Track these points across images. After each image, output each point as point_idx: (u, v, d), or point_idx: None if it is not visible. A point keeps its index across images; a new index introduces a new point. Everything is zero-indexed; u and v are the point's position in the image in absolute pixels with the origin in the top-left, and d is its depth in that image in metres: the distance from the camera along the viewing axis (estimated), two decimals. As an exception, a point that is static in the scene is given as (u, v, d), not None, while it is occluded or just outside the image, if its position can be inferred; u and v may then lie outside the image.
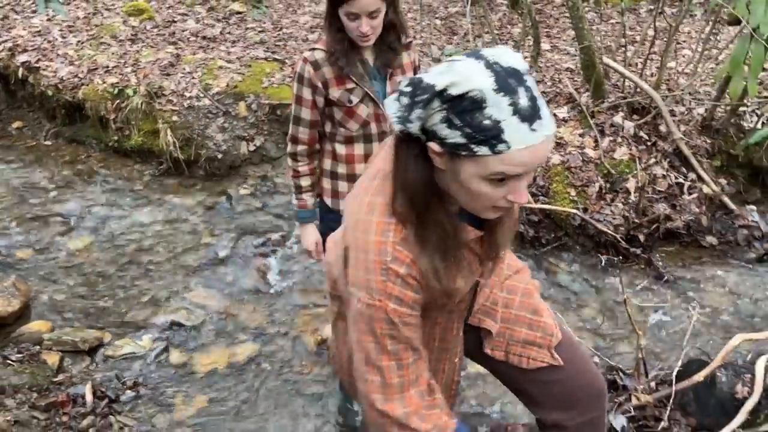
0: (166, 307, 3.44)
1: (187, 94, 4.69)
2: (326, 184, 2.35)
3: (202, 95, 4.69)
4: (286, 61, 5.09)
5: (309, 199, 2.37)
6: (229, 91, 4.72)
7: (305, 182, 2.35)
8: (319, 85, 2.17)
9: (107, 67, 4.98)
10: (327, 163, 2.32)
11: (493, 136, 1.11)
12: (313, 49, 2.18)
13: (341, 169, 2.30)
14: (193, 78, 4.83)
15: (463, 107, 1.12)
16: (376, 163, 1.38)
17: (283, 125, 4.62)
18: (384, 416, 1.37)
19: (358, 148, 2.26)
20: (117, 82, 4.81)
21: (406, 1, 6.83)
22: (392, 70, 2.23)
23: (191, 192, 4.45)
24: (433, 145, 1.19)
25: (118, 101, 4.74)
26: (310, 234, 2.44)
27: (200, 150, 4.53)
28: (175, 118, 4.59)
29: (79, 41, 5.40)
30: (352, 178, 2.29)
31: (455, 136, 1.14)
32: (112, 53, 5.17)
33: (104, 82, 4.82)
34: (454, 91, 1.12)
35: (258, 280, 3.66)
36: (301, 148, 2.29)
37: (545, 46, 5.47)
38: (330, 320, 1.75)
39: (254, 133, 4.60)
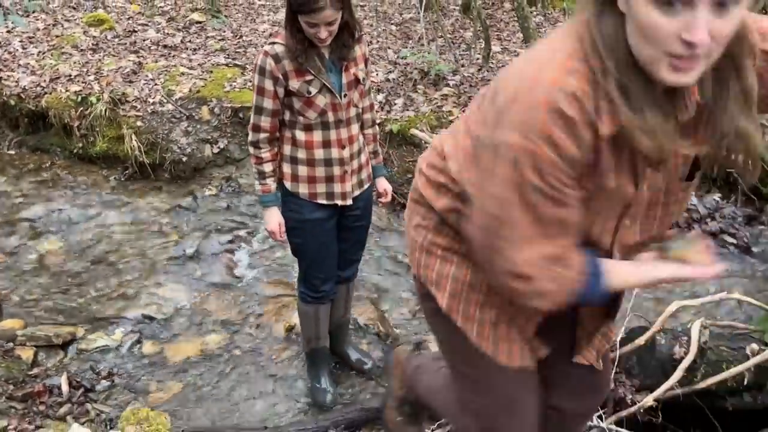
0: (136, 302, 3.55)
1: (151, 100, 4.80)
2: (286, 168, 2.51)
3: (165, 101, 4.81)
4: (247, 66, 5.23)
5: (272, 184, 2.52)
6: (192, 96, 4.85)
7: (268, 168, 2.49)
8: (280, 76, 2.32)
9: (70, 75, 5.07)
10: (287, 149, 2.48)
11: None
12: (273, 43, 2.35)
13: (301, 155, 2.46)
14: (156, 84, 4.95)
15: None
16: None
17: (246, 127, 4.76)
18: (523, 275, 1.20)
19: (317, 135, 2.43)
20: (80, 90, 4.89)
21: (362, 8, 7.04)
22: (347, 62, 2.41)
23: (157, 194, 4.56)
24: None
25: (81, 109, 4.82)
26: (273, 216, 2.59)
27: (165, 154, 4.64)
28: (139, 123, 4.70)
29: (40, 51, 5.47)
30: (311, 162, 2.46)
31: None
32: (74, 62, 5.25)
33: (67, 91, 4.91)
34: None
35: (226, 275, 3.79)
36: (263, 136, 2.44)
37: (496, 48, 5.71)
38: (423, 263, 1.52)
39: (218, 135, 4.73)
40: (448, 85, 4.85)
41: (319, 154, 2.45)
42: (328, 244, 2.63)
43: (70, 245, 4.05)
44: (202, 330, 3.36)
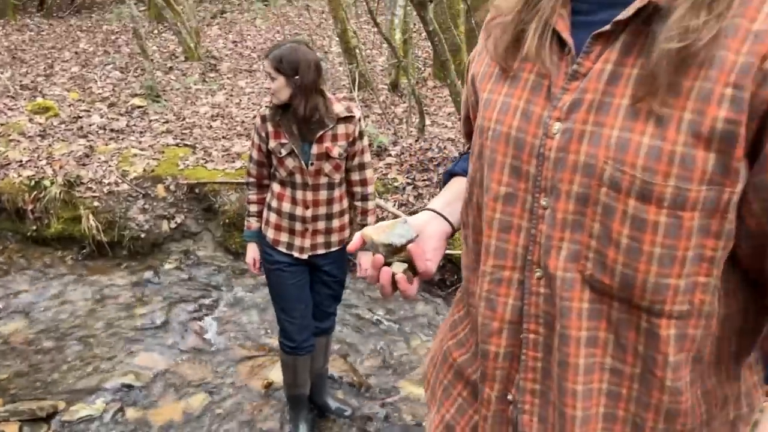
0: (113, 372, 3.64)
1: (106, 181, 4.97)
2: (264, 212, 2.88)
3: (120, 181, 4.99)
4: (197, 146, 5.49)
5: (254, 222, 2.90)
6: (147, 176, 5.05)
7: (252, 208, 2.90)
8: (263, 134, 2.73)
9: (20, 161, 5.18)
10: (268, 196, 2.86)
11: None
12: (267, 106, 2.75)
13: (273, 203, 2.82)
14: (110, 166, 5.13)
15: None
16: None
17: (201, 202, 5.00)
18: None
19: (287, 191, 2.78)
20: (33, 175, 5.01)
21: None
22: (321, 135, 2.73)
23: (117, 271, 4.68)
24: None
25: (35, 192, 4.92)
26: (251, 251, 2.95)
27: (123, 231, 4.79)
28: (96, 203, 4.84)
29: (-15, 140, 5.55)
30: (279, 212, 2.80)
31: None
32: (24, 148, 5.37)
33: (20, 176, 5.01)
34: None
35: (197, 341, 3.94)
36: (251, 180, 2.87)
37: (427, 121, 6.22)
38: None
39: (174, 211, 4.93)
40: (390, 155, 5.27)
41: (285, 207, 2.79)
42: (295, 291, 2.90)
43: (35, 325, 4.10)
44: (182, 393, 3.49)
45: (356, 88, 6.40)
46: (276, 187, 2.80)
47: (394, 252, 1.00)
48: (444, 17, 6.50)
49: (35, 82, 7.38)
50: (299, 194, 2.76)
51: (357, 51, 6.80)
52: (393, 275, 1.00)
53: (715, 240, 0.80)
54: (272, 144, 2.70)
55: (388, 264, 1.01)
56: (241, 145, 5.49)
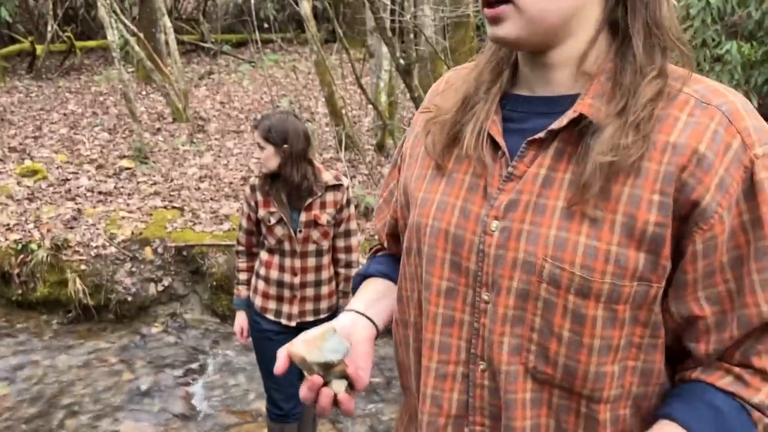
0: (98, 441, 3.59)
1: (93, 244, 4.98)
2: (252, 280, 2.90)
3: (108, 244, 5.00)
4: (185, 208, 5.53)
5: (243, 290, 2.92)
6: (135, 238, 5.06)
7: (242, 276, 2.93)
8: (252, 203, 2.79)
9: (8, 225, 5.18)
10: (256, 264, 2.89)
11: None
12: (256, 176, 2.83)
13: (261, 271, 2.84)
14: (98, 229, 5.14)
15: None
16: None
17: (189, 264, 5.00)
18: None
19: (275, 258, 2.80)
20: (20, 239, 5.01)
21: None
22: (310, 203, 2.78)
23: (103, 335, 4.65)
24: None
25: (22, 256, 4.92)
26: (239, 319, 2.97)
27: (110, 295, 4.78)
28: (83, 267, 4.84)
29: (-27, 203, 5.55)
30: (267, 280, 2.82)
31: None
32: (12, 212, 5.38)
33: (6, 239, 5.01)
34: None
35: (184, 407, 3.90)
36: (240, 248, 2.91)
37: (413, 181, 6.31)
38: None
39: (162, 274, 4.93)
40: (376, 216, 5.33)
41: (273, 274, 2.81)
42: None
43: (19, 391, 4.04)
44: (169, 462, 3.44)
45: (343, 149, 6.50)
46: (264, 255, 2.83)
47: (328, 368, 0.93)
48: (428, 80, 6.67)
49: (23, 144, 7.42)
50: (288, 261, 2.80)
51: (343, 112, 6.93)
52: (334, 395, 0.94)
53: (642, 328, 0.87)
54: (261, 212, 2.75)
55: (326, 383, 0.93)
56: (229, 206, 5.53)
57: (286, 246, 2.77)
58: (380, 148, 7.40)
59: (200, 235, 5.08)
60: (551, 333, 0.88)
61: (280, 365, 0.96)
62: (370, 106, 7.06)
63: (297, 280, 2.81)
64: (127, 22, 8.56)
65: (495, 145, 0.94)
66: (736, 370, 0.87)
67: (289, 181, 2.71)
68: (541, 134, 0.89)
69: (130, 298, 4.80)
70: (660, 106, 0.85)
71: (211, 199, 5.76)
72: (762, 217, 0.82)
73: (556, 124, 0.88)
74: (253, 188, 2.79)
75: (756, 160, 0.82)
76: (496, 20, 0.87)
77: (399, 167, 1.15)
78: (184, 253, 4.96)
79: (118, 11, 8.11)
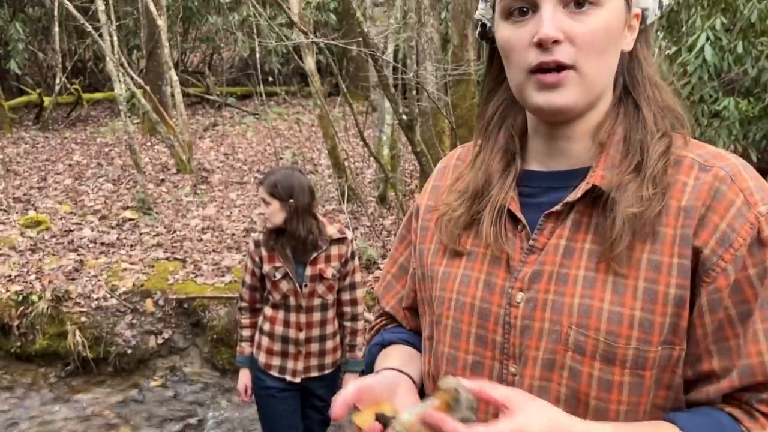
0: (93, 499, 3.51)
1: (94, 296, 4.97)
2: (256, 337, 2.87)
3: (109, 296, 4.98)
4: (187, 259, 5.53)
5: (246, 347, 2.89)
6: (136, 290, 5.05)
7: (245, 333, 2.89)
8: (257, 259, 2.79)
9: (9, 276, 5.18)
10: (260, 320, 2.87)
11: None
12: (260, 232, 2.83)
13: (266, 327, 2.83)
14: (99, 280, 5.13)
15: None
16: None
17: (190, 317, 4.98)
18: None
19: (280, 314, 2.80)
20: (21, 290, 5.00)
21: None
22: (315, 257, 2.79)
23: (101, 389, 4.60)
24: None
25: (22, 308, 4.90)
26: (243, 377, 2.92)
27: (110, 347, 4.74)
28: (83, 319, 4.82)
29: (-25, 254, 5.56)
30: (271, 336, 2.81)
31: None
32: (14, 263, 5.38)
33: (7, 291, 5.00)
34: None
35: (182, 464, 3.83)
36: (243, 304, 2.89)
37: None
38: None
39: (162, 326, 4.90)
40: (379, 268, 5.33)
41: (278, 330, 2.80)
42: (286, 418, 2.86)
43: (14, 447, 3.98)
44: None
45: (345, 200, 6.54)
46: (268, 310, 2.82)
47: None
48: (430, 134, 6.75)
49: (28, 195, 7.48)
50: (293, 317, 2.79)
51: (346, 164, 7.00)
52: None
53: (666, 390, 0.89)
54: (266, 268, 2.75)
55: None
56: (231, 258, 5.54)
57: (292, 301, 2.77)
58: (382, 200, 7.44)
59: (201, 287, 5.07)
60: (578, 401, 0.88)
61: None
62: (372, 158, 7.13)
63: (302, 335, 2.79)
64: (134, 75, 8.72)
65: (513, 220, 0.96)
66: (745, 406, 0.87)
67: (295, 236, 2.72)
68: (558, 207, 0.92)
69: (129, 351, 4.76)
70: (669, 173, 0.89)
71: (213, 250, 5.76)
72: None
73: (572, 197, 0.91)
74: (257, 244, 2.80)
75: (761, 217, 0.85)
76: (555, 86, 0.87)
77: (406, 242, 1.16)
78: (185, 305, 4.94)
79: (126, 65, 8.27)
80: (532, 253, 0.93)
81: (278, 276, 2.74)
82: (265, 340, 2.83)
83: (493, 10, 0.96)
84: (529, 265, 0.93)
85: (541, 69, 0.87)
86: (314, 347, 2.84)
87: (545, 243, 0.93)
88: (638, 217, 0.86)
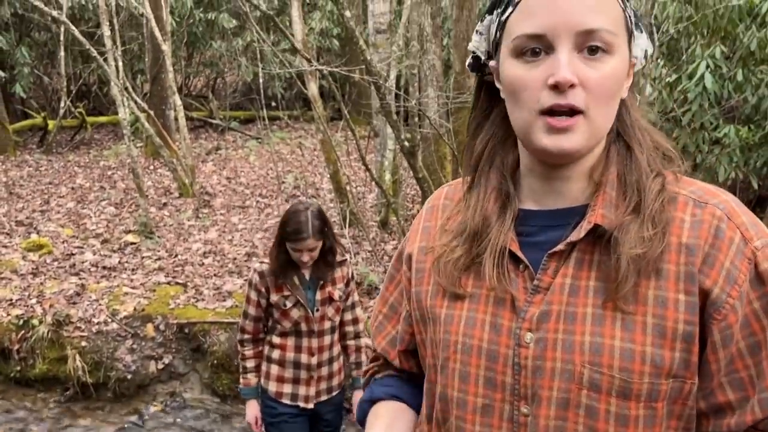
0: None
1: (95, 320, 4.95)
2: (263, 366, 2.85)
3: (110, 320, 4.97)
4: (188, 284, 5.53)
5: (252, 378, 2.85)
6: (137, 315, 5.04)
7: (249, 364, 2.85)
8: (263, 290, 2.75)
9: (11, 300, 5.17)
10: (266, 350, 2.84)
11: None
12: (262, 262, 2.81)
13: (274, 355, 2.81)
14: (100, 305, 5.13)
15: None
16: None
17: (191, 342, 4.96)
18: None
19: (290, 341, 2.79)
20: (22, 314, 4.99)
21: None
22: (324, 282, 2.80)
23: (100, 414, 4.57)
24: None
25: (22, 332, 4.89)
26: (251, 409, 2.89)
27: (110, 372, 4.72)
28: (84, 343, 4.80)
29: (-23, 278, 5.56)
30: (282, 363, 2.79)
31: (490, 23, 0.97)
32: (15, 287, 5.38)
33: (8, 315, 4.99)
34: None
35: (181, 492, 3.79)
36: (246, 336, 2.84)
37: (416, 258, 6.31)
38: None
39: (162, 351, 4.88)
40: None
41: (290, 356, 2.78)
42: None
43: (12, 473, 3.95)
44: None
45: (347, 225, 6.55)
46: (276, 339, 2.79)
47: None
48: (431, 160, 6.78)
49: (30, 218, 7.49)
50: (305, 342, 2.78)
51: (348, 189, 7.02)
52: None
53: (677, 421, 0.91)
54: (275, 297, 2.73)
55: None
56: (233, 283, 5.53)
57: (303, 327, 2.77)
58: (384, 225, 7.45)
59: (203, 312, 5.06)
60: None
61: None
62: (374, 183, 7.16)
63: (314, 360, 2.79)
64: (138, 99, 8.78)
65: (515, 260, 0.96)
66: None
67: (330, 262, 2.75)
68: (561, 246, 0.93)
69: (129, 376, 4.73)
70: (666, 210, 0.91)
71: (215, 275, 5.76)
72: None
73: (574, 236, 0.92)
74: (261, 275, 2.76)
75: (757, 251, 0.88)
76: (564, 131, 0.88)
77: (396, 281, 1.16)
78: (186, 330, 4.93)
79: (130, 89, 8.33)
80: (537, 293, 0.94)
81: (289, 305, 2.73)
82: (275, 369, 2.81)
83: (490, 44, 0.97)
84: (535, 305, 0.93)
85: (553, 111, 0.87)
86: (324, 371, 2.84)
87: (550, 282, 0.93)
88: (642, 258, 0.87)
